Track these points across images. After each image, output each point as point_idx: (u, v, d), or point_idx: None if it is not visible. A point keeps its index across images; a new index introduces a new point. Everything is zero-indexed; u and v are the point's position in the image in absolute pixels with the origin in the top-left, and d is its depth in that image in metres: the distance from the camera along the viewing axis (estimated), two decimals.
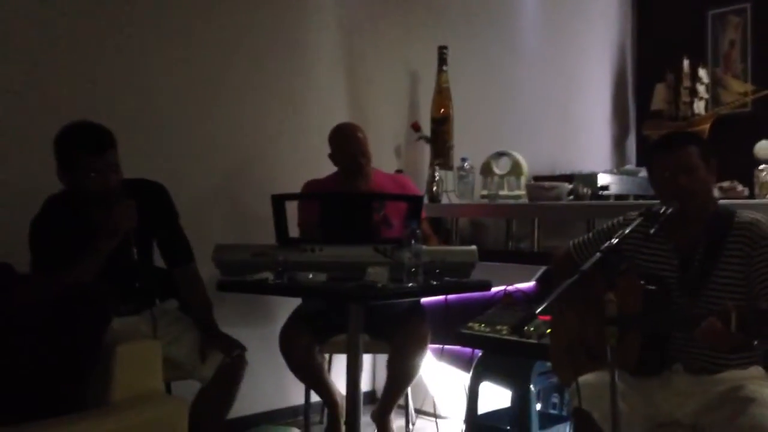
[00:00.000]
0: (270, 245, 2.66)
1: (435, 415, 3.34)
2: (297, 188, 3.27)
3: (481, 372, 2.80)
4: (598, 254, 1.93)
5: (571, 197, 3.76)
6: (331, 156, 3.30)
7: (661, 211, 2.08)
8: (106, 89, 3.10)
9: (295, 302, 3.18)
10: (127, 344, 2.05)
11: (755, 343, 1.81)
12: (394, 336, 3.00)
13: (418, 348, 3.01)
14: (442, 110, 4.18)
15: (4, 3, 2.87)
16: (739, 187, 3.19)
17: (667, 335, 2.10)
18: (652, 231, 2.06)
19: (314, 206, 3.05)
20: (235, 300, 3.02)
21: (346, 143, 3.25)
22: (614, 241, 1.98)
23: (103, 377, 2.00)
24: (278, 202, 2.67)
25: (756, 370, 2.11)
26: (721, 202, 2.35)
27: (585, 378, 2.09)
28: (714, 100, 5.06)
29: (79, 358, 1.98)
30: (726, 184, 3.14)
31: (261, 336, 3.24)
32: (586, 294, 2.16)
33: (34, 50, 2.95)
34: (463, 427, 2.83)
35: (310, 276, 2.59)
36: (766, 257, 2.03)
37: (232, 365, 2.55)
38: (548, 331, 2.52)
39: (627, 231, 2.04)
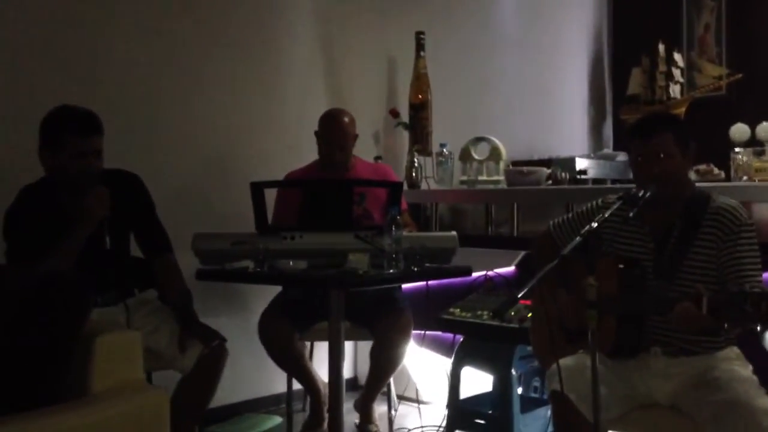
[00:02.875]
0: (249, 233, 2.65)
1: (417, 401, 3.36)
2: (275, 176, 3.24)
3: (462, 357, 2.82)
4: (578, 238, 1.94)
5: (550, 182, 3.78)
6: (316, 135, 3.28)
7: (640, 194, 2.10)
8: (82, 80, 3.05)
9: (276, 290, 3.17)
10: (106, 335, 2.03)
11: (725, 325, 1.84)
12: (376, 325, 3.00)
13: (401, 338, 3.01)
14: (420, 96, 4.17)
15: None
16: (716, 170, 3.23)
17: (642, 318, 2.12)
18: (630, 214, 2.07)
19: (293, 199, 3.03)
20: (215, 289, 3.01)
21: (328, 133, 3.21)
22: (594, 225, 1.99)
23: (83, 368, 1.98)
24: (257, 189, 2.65)
25: (732, 351, 2.15)
26: (698, 185, 2.37)
27: (563, 361, 2.11)
28: (689, 84, 5.11)
29: (58, 349, 1.96)
30: (702, 167, 3.17)
31: (242, 324, 3.23)
32: (566, 277, 2.19)
33: (10, 38, 2.90)
34: (446, 412, 2.85)
35: (291, 264, 2.58)
36: (735, 243, 2.06)
37: (214, 355, 2.54)
38: (529, 315, 2.54)
39: (607, 215, 2.06)
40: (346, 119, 3.22)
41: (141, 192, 2.65)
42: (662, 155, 2.11)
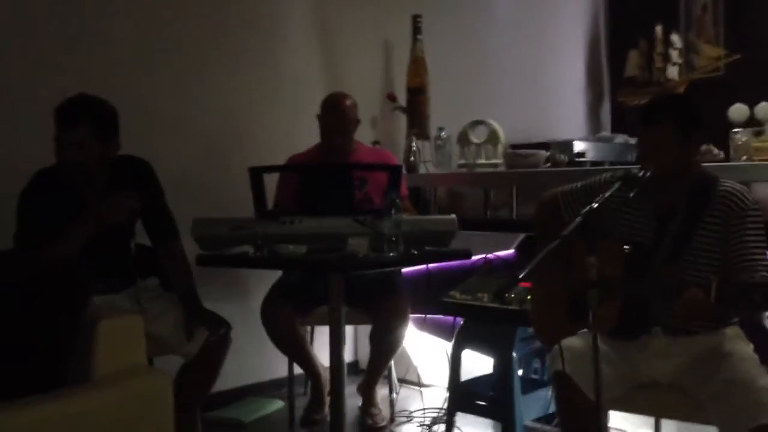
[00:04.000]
0: (249, 218, 2.64)
1: (419, 384, 3.37)
2: (273, 161, 3.23)
3: (463, 340, 2.82)
4: (578, 219, 1.93)
5: (548, 165, 3.77)
6: (318, 119, 3.27)
7: (640, 174, 2.08)
8: (78, 65, 3.04)
9: (276, 275, 3.17)
10: (108, 320, 2.03)
11: (732, 314, 1.83)
12: (375, 309, 3.01)
13: (400, 322, 3.03)
14: (418, 80, 4.16)
15: None
16: (715, 151, 3.22)
17: (645, 299, 2.12)
18: (631, 194, 2.05)
19: (293, 182, 3.03)
20: (216, 274, 3.00)
21: (329, 117, 3.21)
22: (594, 205, 1.98)
23: (86, 353, 1.98)
24: (256, 174, 2.65)
25: (732, 330, 2.15)
26: (703, 165, 2.35)
27: (564, 342, 2.11)
28: (687, 66, 5.09)
29: (60, 334, 1.96)
30: (702, 148, 3.16)
31: (243, 310, 3.23)
32: (566, 257, 2.18)
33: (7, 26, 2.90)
34: (447, 394, 2.86)
35: (291, 248, 2.58)
36: (742, 227, 2.03)
37: (217, 341, 2.55)
38: (528, 297, 2.53)
39: (607, 195, 2.04)
40: (348, 103, 3.22)
41: (152, 179, 2.64)
42: (661, 144, 2.08)
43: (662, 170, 2.09)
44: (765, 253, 2.03)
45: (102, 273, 2.42)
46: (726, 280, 1.82)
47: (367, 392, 3.22)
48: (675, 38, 5.01)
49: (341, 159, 3.19)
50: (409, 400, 3.40)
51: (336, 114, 3.19)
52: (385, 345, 3.07)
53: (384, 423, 3.19)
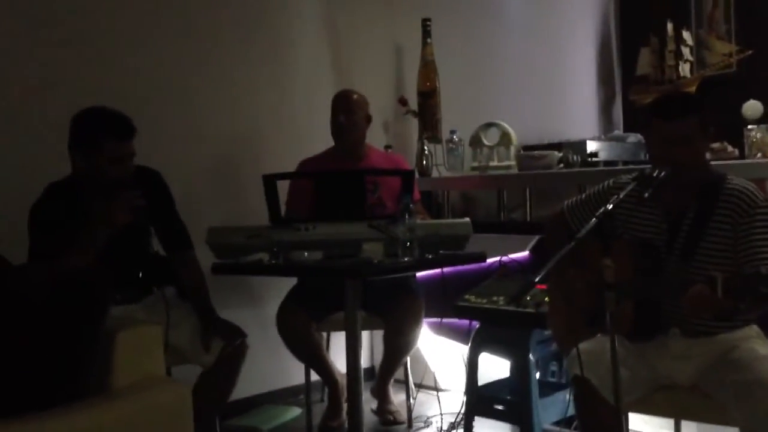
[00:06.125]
0: (264, 226, 2.65)
1: (435, 389, 3.36)
2: (286, 167, 3.24)
3: (479, 343, 2.82)
4: (593, 220, 1.92)
5: (561, 165, 3.76)
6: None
7: (654, 174, 2.07)
8: (91, 77, 3.05)
9: (291, 282, 3.17)
10: (127, 330, 2.04)
11: (740, 308, 1.82)
12: (388, 311, 3.01)
13: (413, 323, 3.03)
14: (428, 84, 4.15)
15: None
16: (729, 148, 3.20)
17: (658, 300, 2.11)
18: (646, 195, 2.04)
19: (304, 187, 3.03)
20: (231, 282, 3.02)
21: (335, 101, 3.28)
22: (609, 206, 1.97)
23: (105, 364, 1.99)
24: (270, 182, 2.65)
25: (752, 330, 2.14)
26: (713, 163, 2.34)
27: (582, 345, 2.10)
28: (699, 62, 5.05)
29: (78, 346, 1.97)
30: (716, 145, 3.15)
31: (259, 317, 3.24)
32: (580, 259, 2.17)
33: (25, 34, 2.92)
34: (464, 398, 2.85)
35: (306, 255, 2.58)
36: (750, 224, 2.02)
37: (234, 350, 2.55)
38: (546, 299, 2.53)
39: (622, 195, 2.04)
40: (355, 95, 3.29)
41: (162, 188, 2.66)
42: (685, 140, 2.07)
43: (685, 165, 2.07)
44: None
45: (120, 283, 2.43)
46: (733, 274, 1.81)
47: (381, 392, 3.22)
48: (686, 35, 4.98)
49: (356, 161, 3.20)
50: (426, 404, 3.39)
51: (341, 96, 3.29)
52: (397, 346, 3.07)
53: (403, 420, 3.19)
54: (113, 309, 2.23)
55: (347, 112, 3.21)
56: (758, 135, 3.11)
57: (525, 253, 3.28)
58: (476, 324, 2.87)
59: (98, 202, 2.39)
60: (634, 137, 4.24)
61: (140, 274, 2.56)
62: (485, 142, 4.10)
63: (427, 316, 3.10)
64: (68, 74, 3.01)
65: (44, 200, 2.47)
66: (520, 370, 2.70)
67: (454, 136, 4.12)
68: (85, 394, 1.94)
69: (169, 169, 2.76)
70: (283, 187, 2.97)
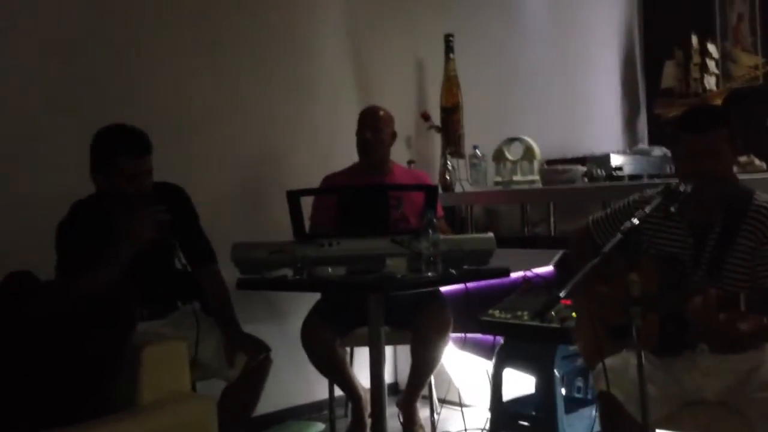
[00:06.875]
0: (288, 242, 2.65)
1: (460, 404, 3.34)
2: (310, 183, 3.26)
3: (503, 359, 2.80)
4: (619, 235, 1.91)
5: (585, 180, 3.74)
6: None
7: (681, 189, 2.05)
8: (117, 94, 3.10)
9: (315, 297, 3.18)
10: (153, 345, 2.06)
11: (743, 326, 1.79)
12: (415, 325, 3.00)
13: (441, 335, 3.02)
14: (451, 99, 4.17)
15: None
16: (756, 162, 3.17)
17: (684, 315, 2.08)
18: (672, 209, 2.02)
19: (329, 203, 3.05)
20: (255, 298, 3.03)
21: (361, 118, 3.31)
22: (635, 221, 1.95)
23: (131, 379, 2.01)
24: (294, 197, 2.67)
25: None
26: (740, 177, 2.32)
27: (608, 360, 2.07)
28: (725, 75, 5.02)
29: (105, 362, 1.99)
30: (743, 158, 3.12)
31: (283, 332, 3.24)
32: (606, 274, 2.15)
33: (48, 51, 2.97)
34: (489, 414, 2.83)
35: (329, 270, 2.59)
36: None
37: (259, 364, 2.56)
38: (573, 314, 2.51)
39: (648, 210, 2.02)
40: (382, 112, 3.32)
41: (186, 203, 2.68)
42: (714, 152, 2.05)
43: (713, 178, 2.05)
44: None
45: (145, 299, 2.46)
46: (755, 289, 1.79)
47: (407, 409, 3.20)
48: (711, 48, 4.95)
49: (380, 177, 3.21)
50: (450, 420, 3.37)
51: (367, 113, 3.31)
52: (425, 359, 3.05)
53: None
54: (139, 325, 2.26)
55: (374, 129, 3.23)
56: None
57: (549, 268, 3.25)
58: (500, 339, 2.86)
59: (123, 218, 2.41)
60: (659, 150, 4.22)
61: (165, 290, 2.58)
62: (508, 156, 4.10)
63: (452, 331, 3.09)
64: (95, 94, 3.05)
65: (70, 218, 2.51)
66: (545, 385, 2.68)
67: (477, 151, 4.13)
68: (111, 410, 1.95)
69: (196, 185, 2.78)
70: (307, 202, 2.99)
